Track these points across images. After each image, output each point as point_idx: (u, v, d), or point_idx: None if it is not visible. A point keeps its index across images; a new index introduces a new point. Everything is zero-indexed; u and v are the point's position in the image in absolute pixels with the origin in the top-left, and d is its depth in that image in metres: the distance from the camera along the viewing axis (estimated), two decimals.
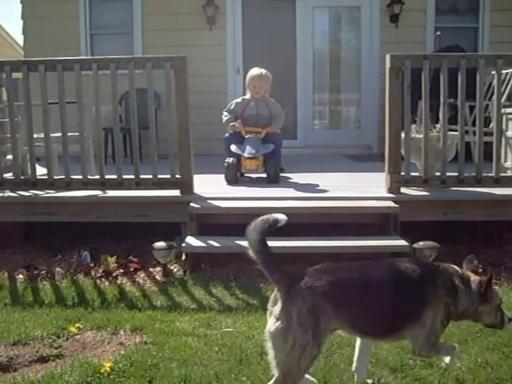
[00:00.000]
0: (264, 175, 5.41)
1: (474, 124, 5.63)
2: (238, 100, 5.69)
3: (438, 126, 4.86)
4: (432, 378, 2.57)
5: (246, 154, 5.24)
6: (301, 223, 4.42)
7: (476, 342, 2.94)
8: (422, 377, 2.59)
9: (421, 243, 4.13)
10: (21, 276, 4.26)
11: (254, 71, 5.55)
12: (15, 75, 4.78)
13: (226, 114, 5.57)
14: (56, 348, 3.01)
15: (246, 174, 5.60)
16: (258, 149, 5.26)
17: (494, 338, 2.99)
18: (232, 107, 5.60)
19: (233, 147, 5.32)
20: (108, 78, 4.48)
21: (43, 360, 2.91)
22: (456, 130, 4.70)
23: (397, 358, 2.75)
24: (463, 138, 4.55)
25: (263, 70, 5.54)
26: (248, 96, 5.64)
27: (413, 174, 4.60)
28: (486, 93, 5.74)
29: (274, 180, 5.27)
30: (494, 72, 5.74)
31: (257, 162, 5.29)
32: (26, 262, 4.49)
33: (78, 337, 3.15)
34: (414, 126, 4.80)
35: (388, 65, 4.45)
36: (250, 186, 5.16)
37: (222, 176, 5.28)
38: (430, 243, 4.13)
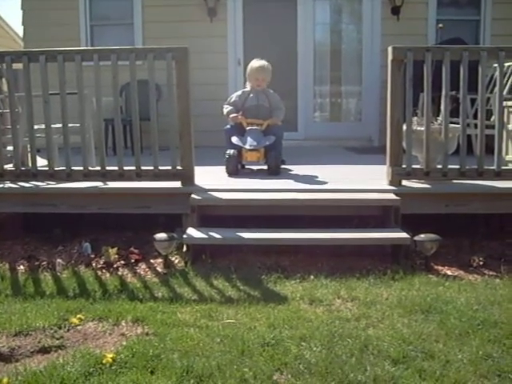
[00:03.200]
0: (265, 167, 5.37)
1: (475, 117, 5.63)
2: (238, 93, 5.65)
3: (439, 118, 4.86)
4: (433, 370, 2.57)
5: (247, 146, 5.22)
6: (301, 215, 4.45)
7: (477, 334, 2.94)
8: (424, 368, 2.59)
9: (422, 236, 4.13)
10: (22, 267, 4.25)
11: (256, 63, 5.51)
12: (15, 66, 4.77)
13: (226, 106, 5.53)
14: (58, 339, 3.01)
15: (246, 166, 5.56)
16: (259, 141, 5.24)
17: (496, 330, 3.00)
18: (232, 100, 5.57)
19: (234, 139, 5.30)
20: (108, 69, 4.46)
21: (45, 351, 2.90)
22: (457, 123, 4.69)
23: (398, 349, 2.75)
24: (465, 130, 4.54)
25: (265, 62, 5.50)
26: (248, 88, 5.61)
27: (414, 166, 4.60)
28: (487, 86, 5.73)
29: (275, 172, 5.26)
30: (495, 65, 5.75)
31: (258, 154, 5.26)
32: (26, 253, 4.49)
33: (79, 328, 3.14)
34: (415, 118, 4.79)
35: (390, 57, 4.44)
36: (251, 178, 5.14)
37: (223, 168, 5.27)
38: (431, 236, 4.13)
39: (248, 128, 5.35)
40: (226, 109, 5.52)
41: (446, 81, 4.42)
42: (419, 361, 2.67)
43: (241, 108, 5.49)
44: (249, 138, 5.25)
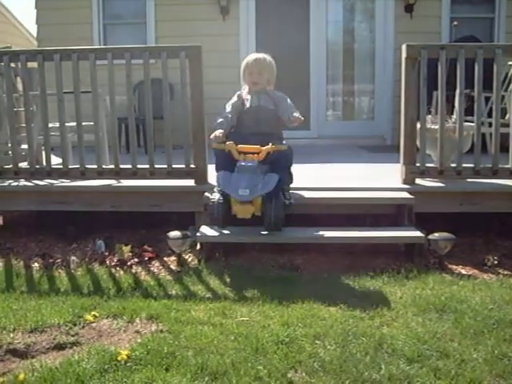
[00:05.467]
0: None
1: (489, 115, 5.60)
2: (233, 99, 4.38)
3: (453, 116, 4.83)
4: (448, 369, 2.56)
5: (235, 196, 3.87)
6: (314, 214, 4.44)
7: (492, 334, 2.92)
8: (439, 367, 2.58)
9: (436, 234, 4.11)
10: (36, 264, 4.28)
11: (252, 55, 4.39)
12: (30, 65, 4.80)
13: (220, 119, 4.22)
14: (73, 335, 3.03)
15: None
16: (253, 187, 3.82)
17: (511, 329, 2.97)
18: (229, 109, 4.28)
19: (221, 179, 3.98)
20: (121, 68, 4.48)
21: (60, 347, 2.92)
22: (472, 121, 4.67)
23: (413, 348, 2.74)
24: (479, 128, 4.51)
25: (263, 55, 4.34)
26: (245, 90, 4.41)
27: (428, 165, 4.58)
28: (502, 83, 5.68)
29: (274, 227, 3.99)
30: (510, 63, 5.72)
31: (251, 208, 3.88)
32: (41, 251, 4.52)
33: (94, 325, 3.16)
34: (429, 116, 4.77)
35: (404, 55, 4.42)
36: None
37: None
38: (445, 235, 4.10)
39: (239, 163, 3.93)
40: (218, 121, 4.20)
41: (460, 79, 4.39)
42: (434, 360, 2.66)
43: (237, 120, 4.28)
44: (241, 182, 3.84)
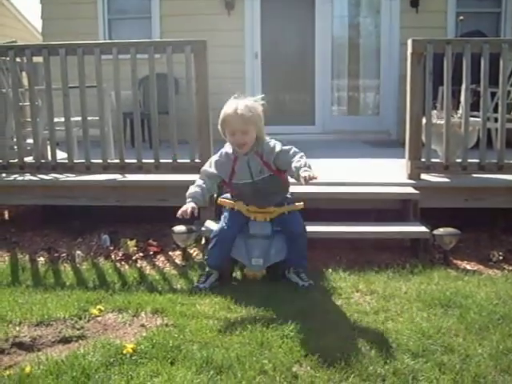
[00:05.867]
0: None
1: (495, 110, 5.58)
2: (218, 159, 3.56)
3: (459, 111, 4.82)
4: (453, 364, 2.56)
5: (249, 266, 3.59)
6: (319, 208, 4.43)
7: (497, 329, 2.92)
8: (444, 362, 2.57)
9: (441, 230, 4.10)
10: (42, 258, 4.30)
11: (230, 105, 3.35)
12: (35, 59, 4.81)
13: (195, 185, 3.54)
14: (78, 329, 3.04)
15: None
16: (267, 255, 3.55)
17: None
18: (211, 171, 3.56)
19: (234, 248, 3.58)
20: (126, 62, 4.48)
21: (66, 340, 2.93)
22: (477, 117, 4.65)
23: (418, 343, 2.74)
24: (485, 124, 4.50)
25: (244, 103, 3.33)
26: (229, 149, 3.53)
27: (433, 160, 4.57)
28: (508, 78, 5.66)
29: (274, 278, 3.63)
30: None
31: (263, 271, 3.61)
32: (46, 245, 4.54)
33: (99, 318, 3.17)
34: (434, 111, 4.76)
35: (410, 49, 4.41)
36: None
37: None
38: (450, 230, 4.10)
39: (252, 223, 3.61)
40: (191, 187, 3.54)
41: (466, 74, 4.38)
42: (439, 355, 2.65)
43: (229, 182, 3.60)
44: (253, 251, 3.55)
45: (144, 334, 2.91)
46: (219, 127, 3.42)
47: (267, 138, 3.48)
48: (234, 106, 3.31)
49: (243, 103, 3.31)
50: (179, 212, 3.36)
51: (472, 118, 4.64)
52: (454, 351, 2.69)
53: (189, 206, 3.37)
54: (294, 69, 8.41)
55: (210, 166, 3.57)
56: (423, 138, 4.54)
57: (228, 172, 3.50)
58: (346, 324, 2.97)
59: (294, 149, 3.42)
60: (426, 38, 4.48)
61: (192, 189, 3.50)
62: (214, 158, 3.59)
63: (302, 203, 3.63)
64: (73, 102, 4.76)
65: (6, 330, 3.01)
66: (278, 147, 3.43)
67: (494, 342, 2.77)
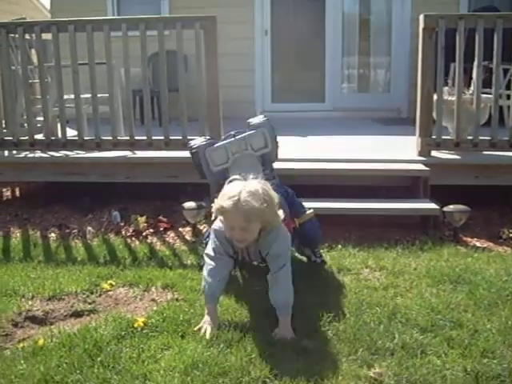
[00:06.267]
0: None
1: (507, 88, 5.52)
2: (218, 245, 2.85)
3: (471, 88, 4.77)
4: (462, 339, 2.57)
5: None
6: (329, 185, 4.43)
7: (507, 305, 2.93)
8: (452, 337, 2.59)
9: (451, 207, 4.09)
10: (53, 234, 4.34)
11: (229, 195, 2.63)
12: (44, 36, 4.79)
13: (208, 280, 2.80)
14: (90, 303, 3.08)
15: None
16: None
17: None
18: (215, 263, 2.83)
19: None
20: (136, 39, 4.46)
21: (78, 314, 2.98)
22: (489, 93, 4.61)
23: (427, 318, 2.76)
24: (497, 100, 4.46)
25: (247, 190, 2.60)
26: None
27: (444, 137, 4.54)
28: None
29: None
30: None
31: None
32: (57, 221, 4.58)
33: (110, 293, 3.21)
34: (446, 88, 4.72)
35: (421, 25, 4.35)
36: None
37: None
38: (460, 207, 4.09)
39: None
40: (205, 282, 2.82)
41: (479, 50, 4.33)
42: (447, 329, 2.67)
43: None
44: None
45: (155, 308, 2.94)
46: (213, 211, 2.79)
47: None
48: (235, 195, 2.59)
49: (248, 190, 2.59)
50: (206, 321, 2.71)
51: (484, 95, 4.60)
52: (462, 326, 2.70)
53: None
54: (304, 46, 8.34)
55: (213, 255, 2.85)
56: (434, 115, 4.51)
57: (231, 252, 2.88)
58: (356, 299, 2.98)
59: (283, 262, 2.77)
60: (438, 13, 4.42)
61: (207, 281, 2.80)
62: (212, 245, 2.88)
63: (312, 211, 3.42)
64: (82, 80, 4.75)
65: (19, 304, 3.06)
66: (272, 251, 2.78)
67: (503, 318, 2.78)
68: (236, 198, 2.58)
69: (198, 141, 3.48)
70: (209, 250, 2.89)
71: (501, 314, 2.84)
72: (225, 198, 2.62)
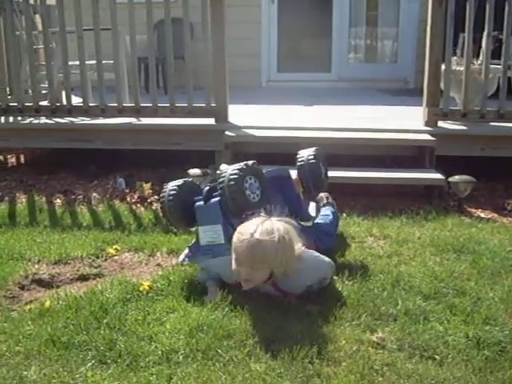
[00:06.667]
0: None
1: None
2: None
3: (479, 59, 4.72)
4: (464, 306, 2.59)
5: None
6: (335, 154, 4.41)
7: (510, 275, 2.94)
8: (455, 304, 2.60)
9: (456, 177, 4.09)
10: (58, 200, 4.36)
11: (243, 238, 2.44)
12: (49, 2, 4.75)
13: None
14: (95, 267, 3.10)
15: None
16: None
17: None
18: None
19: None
20: (142, 6, 4.40)
21: (84, 278, 3.00)
22: (498, 65, 4.56)
23: (430, 286, 2.77)
24: (506, 71, 4.41)
25: (266, 229, 2.43)
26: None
27: (451, 108, 4.51)
28: None
29: None
30: None
31: None
32: (62, 188, 4.59)
33: (116, 258, 3.23)
34: (454, 58, 4.67)
35: None
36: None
37: (256, 106, 5.18)
38: (465, 177, 4.08)
39: None
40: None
41: (489, 19, 4.27)
42: (450, 297, 2.68)
43: None
44: None
45: (160, 273, 2.96)
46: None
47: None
48: (247, 234, 2.42)
49: (262, 230, 2.42)
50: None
51: (492, 66, 4.55)
52: (465, 294, 2.71)
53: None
54: (311, 15, 8.21)
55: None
56: (442, 85, 4.47)
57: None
58: (360, 266, 2.99)
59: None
60: None
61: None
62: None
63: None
64: (87, 46, 4.71)
65: (26, 267, 3.08)
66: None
67: (506, 287, 2.79)
68: (249, 235, 2.42)
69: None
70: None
71: (504, 283, 2.85)
72: (240, 243, 2.44)
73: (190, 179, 3.24)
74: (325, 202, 3.46)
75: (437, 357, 2.20)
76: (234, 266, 2.50)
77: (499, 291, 2.75)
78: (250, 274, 2.49)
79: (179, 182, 3.02)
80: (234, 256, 2.48)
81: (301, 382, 2.03)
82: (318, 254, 2.73)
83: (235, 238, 2.47)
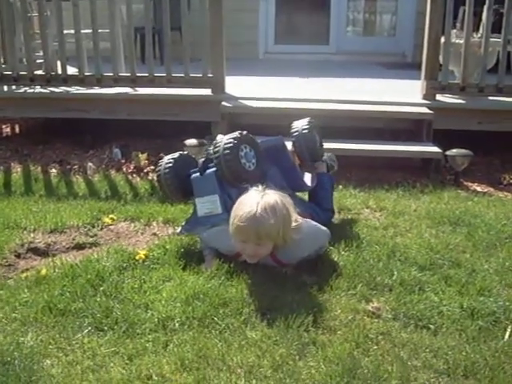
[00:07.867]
0: None
1: None
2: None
3: (479, 32, 4.68)
4: (459, 277, 2.60)
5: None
6: (332, 126, 4.39)
7: (504, 247, 2.95)
8: (450, 276, 2.61)
9: (454, 150, 4.09)
10: (54, 170, 4.34)
11: (244, 210, 2.43)
12: None
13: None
14: (91, 236, 3.10)
15: None
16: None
17: None
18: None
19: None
20: None
21: (80, 247, 3.00)
22: (498, 38, 4.52)
23: (425, 257, 2.78)
24: (505, 45, 4.38)
25: (263, 206, 2.41)
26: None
27: (450, 81, 4.48)
28: None
29: None
30: None
31: None
32: (58, 158, 4.58)
33: (112, 227, 3.23)
34: (454, 31, 4.63)
35: None
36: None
37: (253, 78, 5.14)
38: (462, 151, 4.09)
39: None
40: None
41: None
42: (445, 268, 2.69)
43: None
44: None
45: (156, 242, 2.96)
46: (230, 227, 2.50)
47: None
48: (250, 211, 2.40)
49: (263, 206, 2.41)
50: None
51: (492, 39, 4.51)
52: (460, 266, 2.73)
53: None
54: None
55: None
56: (440, 58, 4.43)
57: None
58: (355, 237, 2.99)
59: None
60: None
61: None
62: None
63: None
64: (82, 16, 4.64)
65: (21, 236, 3.07)
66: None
67: (501, 259, 2.81)
68: (252, 214, 2.39)
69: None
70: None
71: (498, 255, 2.86)
72: (240, 214, 2.42)
73: (186, 152, 3.22)
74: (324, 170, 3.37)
75: (431, 326, 2.21)
76: (237, 244, 2.53)
77: (494, 263, 2.77)
78: (255, 250, 2.52)
79: (175, 154, 3.00)
80: (236, 234, 2.48)
81: (296, 350, 2.04)
82: (315, 223, 2.74)
83: (236, 217, 2.44)
